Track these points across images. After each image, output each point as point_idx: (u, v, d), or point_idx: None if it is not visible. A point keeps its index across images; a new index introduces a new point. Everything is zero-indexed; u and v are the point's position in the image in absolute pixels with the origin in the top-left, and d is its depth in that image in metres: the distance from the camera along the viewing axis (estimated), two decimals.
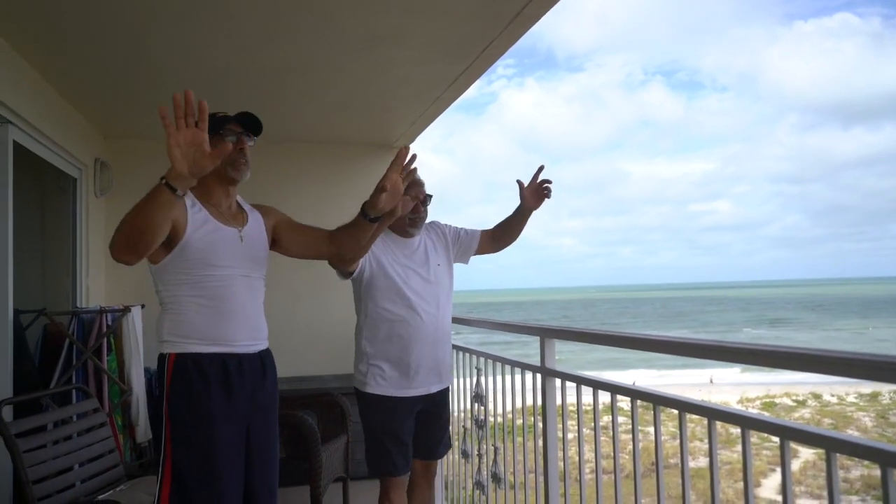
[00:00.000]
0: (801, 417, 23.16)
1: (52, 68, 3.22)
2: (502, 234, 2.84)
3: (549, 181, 2.70)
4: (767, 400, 25.62)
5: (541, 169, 2.72)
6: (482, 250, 2.85)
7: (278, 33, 2.89)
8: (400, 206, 1.94)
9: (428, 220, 2.78)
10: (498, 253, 2.88)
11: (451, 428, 3.04)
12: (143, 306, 3.61)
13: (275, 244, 2.17)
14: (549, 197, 2.70)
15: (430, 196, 2.73)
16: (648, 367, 29.13)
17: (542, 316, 66.50)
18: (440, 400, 2.73)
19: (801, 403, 24.98)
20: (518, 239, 2.86)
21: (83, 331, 3.22)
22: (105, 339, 3.21)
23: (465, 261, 2.86)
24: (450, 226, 2.87)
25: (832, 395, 25.02)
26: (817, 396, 25.42)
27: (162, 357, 1.89)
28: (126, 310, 3.31)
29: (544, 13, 2.77)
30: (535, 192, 2.69)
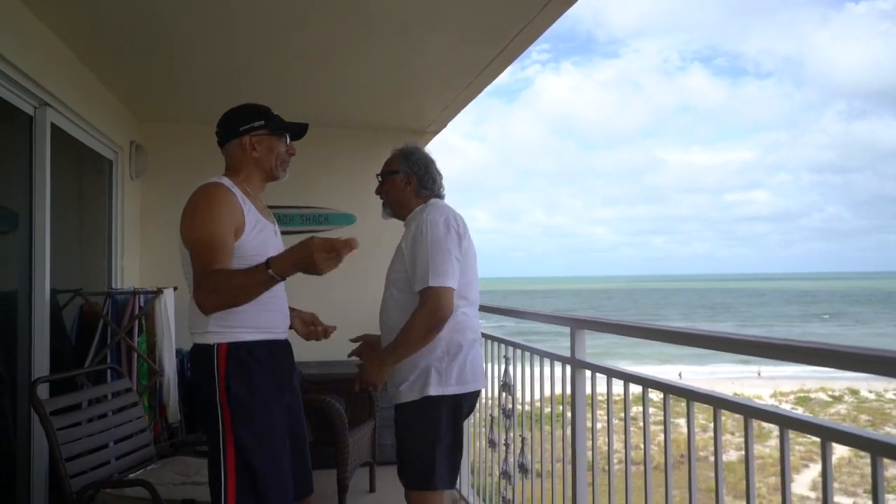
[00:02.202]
0: (836, 413, 22.65)
1: (89, 52, 3.25)
2: None
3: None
4: (802, 394, 25.10)
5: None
6: None
7: (309, 17, 2.87)
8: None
9: (415, 216, 2.34)
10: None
11: (471, 418, 2.88)
12: (175, 288, 3.66)
13: None
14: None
15: (392, 174, 2.37)
16: (698, 359, 28.60)
17: (579, 305, 65.80)
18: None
19: (838, 399, 24.42)
20: None
21: (117, 311, 3.28)
22: (137, 321, 3.26)
23: None
24: (409, 246, 2.25)
25: (870, 392, 24.40)
26: (854, 392, 24.82)
27: (209, 348, 1.88)
28: (158, 292, 3.35)
29: None
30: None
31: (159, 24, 2.94)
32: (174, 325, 3.48)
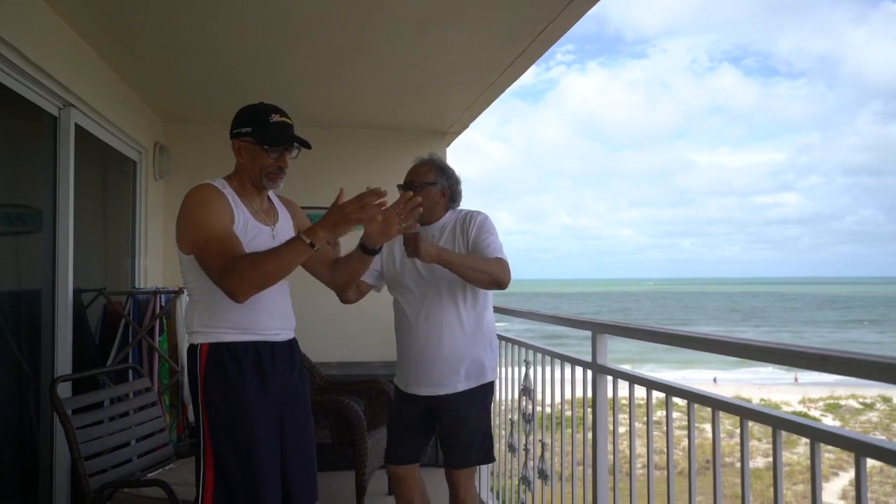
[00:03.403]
0: (868, 422, 22.12)
1: (113, 53, 3.28)
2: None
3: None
4: (832, 401, 24.54)
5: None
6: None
7: (330, 18, 2.86)
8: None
9: (470, 210, 2.52)
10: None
11: (492, 423, 2.96)
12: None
13: None
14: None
15: (429, 186, 2.44)
16: (734, 364, 28.16)
17: (605, 309, 64.98)
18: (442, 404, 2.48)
19: (869, 406, 23.84)
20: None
21: (139, 311, 3.30)
22: (158, 320, 3.28)
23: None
24: (477, 225, 2.45)
25: None
26: (886, 399, 24.20)
27: (193, 348, 1.89)
28: (179, 291, 3.37)
29: None
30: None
31: (183, 25, 2.95)
32: None
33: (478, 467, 3.14)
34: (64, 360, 2.93)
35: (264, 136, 1.90)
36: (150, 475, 2.54)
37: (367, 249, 2.00)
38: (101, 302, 3.40)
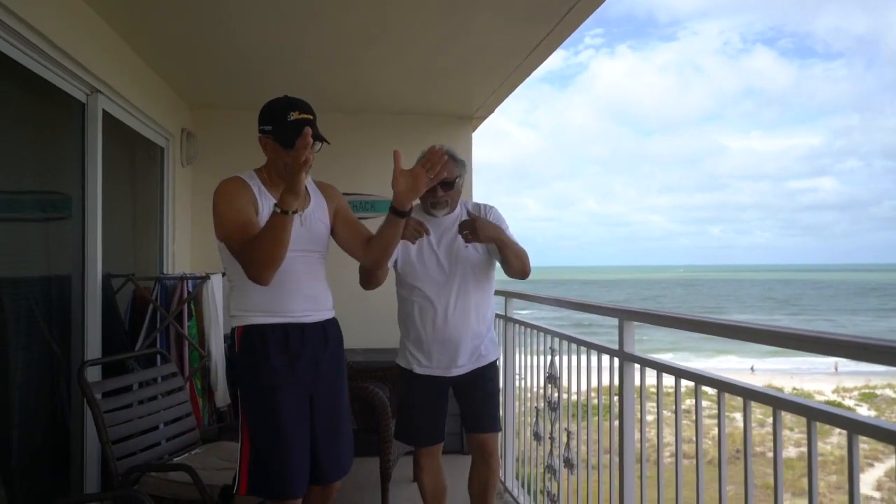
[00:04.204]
0: None
1: (140, 39, 3.29)
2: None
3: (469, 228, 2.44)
4: (867, 391, 24.00)
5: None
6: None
7: (354, 0, 2.82)
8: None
9: (478, 202, 2.72)
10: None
11: (517, 407, 3.37)
12: (223, 274, 3.69)
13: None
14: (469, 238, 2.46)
15: (457, 179, 2.57)
16: (770, 352, 27.75)
17: (635, 296, 64.28)
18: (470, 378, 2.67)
19: None
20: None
21: (166, 296, 3.33)
22: (186, 305, 3.31)
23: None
24: (495, 218, 2.64)
25: None
26: None
27: (232, 331, 2.05)
28: (206, 277, 3.39)
29: None
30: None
31: (208, 10, 2.94)
32: (222, 311, 3.51)
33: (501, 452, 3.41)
34: (94, 345, 2.97)
35: (282, 135, 1.97)
36: (175, 459, 2.57)
37: (397, 212, 2.02)
38: (130, 287, 3.44)
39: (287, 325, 2.01)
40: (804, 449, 1.44)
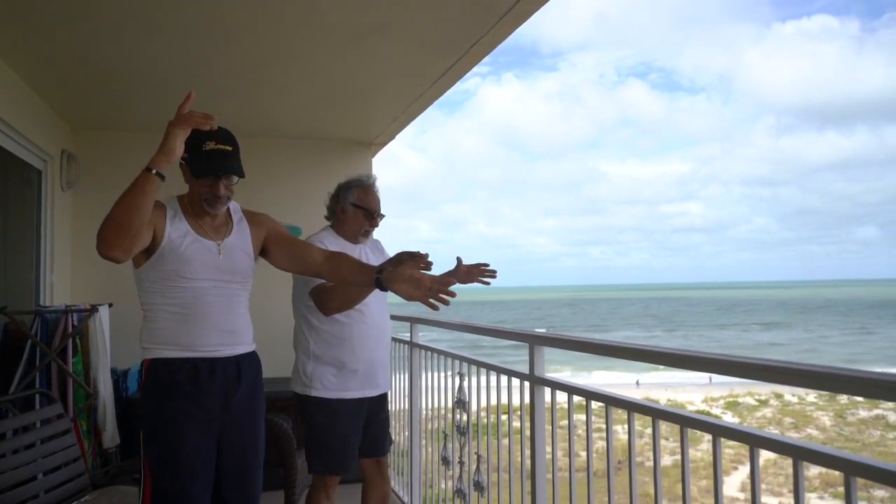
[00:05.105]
0: (763, 417, 23.65)
1: (16, 54, 3.06)
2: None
3: (492, 271, 2.65)
4: (731, 399, 26.08)
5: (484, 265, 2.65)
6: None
7: (262, 23, 2.78)
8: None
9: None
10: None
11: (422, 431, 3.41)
12: (110, 305, 3.46)
13: (265, 254, 2.16)
14: (486, 283, 2.68)
15: (383, 216, 2.76)
16: (651, 367, 29.27)
17: (525, 317, 66.27)
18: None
19: (764, 403, 25.51)
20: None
21: (47, 331, 3.06)
22: (71, 340, 3.06)
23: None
24: (382, 249, 2.85)
25: (793, 395, 25.59)
26: (779, 396, 25.99)
27: (141, 364, 1.96)
28: (93, 309, 3.16)
29: (536, 10, 2.71)
30: (470, 275, 2.64)
31: (94, 25, 2.78)
32: (109, 345, 3.29)
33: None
34: None
35: (195, 164, 1.91)
36: None
37: (380, 283, 1.89)
38: (1, 321, 3.14)
39: (196, 359, 1.92)
40: (678, 457, 1.62)
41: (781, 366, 1.31)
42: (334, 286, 2.39)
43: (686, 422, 1.61)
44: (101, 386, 3.12)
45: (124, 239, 1.68)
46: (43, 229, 3.80)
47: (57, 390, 3.01)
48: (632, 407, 1.81)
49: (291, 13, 2.67)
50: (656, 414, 1.73)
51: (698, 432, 1.57)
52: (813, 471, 13.74)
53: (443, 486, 3.29)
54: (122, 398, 3.52)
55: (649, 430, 1.78)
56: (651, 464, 1.76)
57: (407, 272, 1.81)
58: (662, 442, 1.76)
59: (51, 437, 2.56)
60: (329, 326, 2.57)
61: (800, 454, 1.28)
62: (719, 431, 1.50)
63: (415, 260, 1.83)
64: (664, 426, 1.73)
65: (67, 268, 4.09)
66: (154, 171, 1.66)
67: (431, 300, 1.79)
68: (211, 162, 1.90)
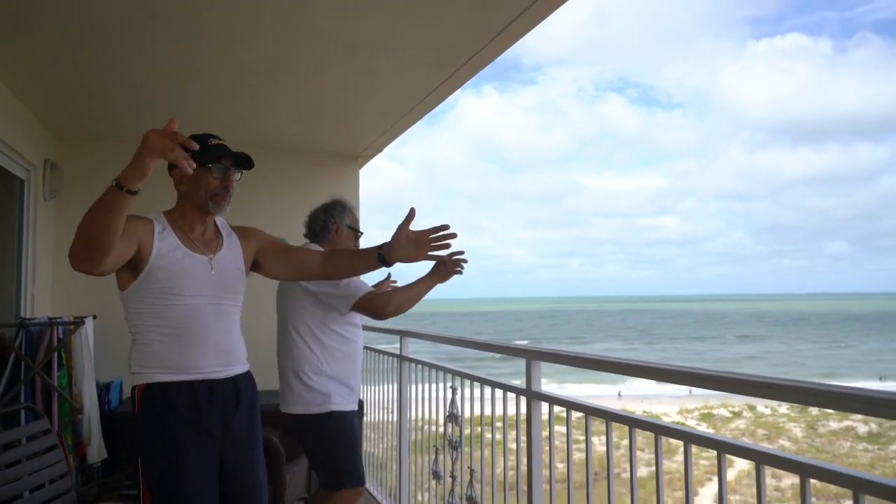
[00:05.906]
0: (736, 428, 23.94)
1: (0, 62, 3.00)
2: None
3: (463, 259, 2.48)
4: (706, 411, 26.35)
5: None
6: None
7: (257, 34, 2.77)
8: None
9: None
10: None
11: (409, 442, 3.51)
12: (94, 317, 3.41)
13: (258, 267, 2.12)
14: (460, 273, 2.55)
15: (362, 233, 2.88)
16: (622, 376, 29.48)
17: (507, 328, 66.29)
18: None
19: (737, 415, 25.81)
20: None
21: (31, 344, 3.00)
22: (56, 354, 3.00)
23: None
24: None
25: (766, 407, 25.93)
26: (752, 408, 26.31)
27: (133, 389, 1.89)
28: (79, 322, 3.11)
29: (530, 29, 2.75)
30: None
31: (81, 34, 2.74)
32: (94, 358, 3.23)
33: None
34: None
35: (206, 156, 1.86)
36: None
37: (384, 259, 1.95)
38: None
39: (194, 382, 1.85)
40: (654, 468, 1.73)
41: (805, 386, 1.33)
42: (389, 293, 2.56)
43: (725, 448, 1.64)
44: (87, 400, 3.06)
45: (93, 252, 1.59)
46: (25, 239, 3.72)
47: (42, 405, 2.94)
48: (633, 423, 1.83)
49: (290, 24, 2.67)
50: (660, 431, 1.75)
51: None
52: (785, 482, 13.91)
53: (431, 501, 3.27)
54: (105, 412, 3.45)
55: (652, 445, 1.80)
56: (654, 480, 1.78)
57: (403, 236, 1.88)
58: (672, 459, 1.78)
59: (37, 453, 2.51)
60: (339, 344, 2.66)
61: (807, 471, 1.30)
62: (723, 447, 1.53)
63: (407, 218, 1.88)
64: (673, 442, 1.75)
65: (49, 278, 4.01)
66: (124, 189, 1.51)
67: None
68: (219, 153, 1.89)
